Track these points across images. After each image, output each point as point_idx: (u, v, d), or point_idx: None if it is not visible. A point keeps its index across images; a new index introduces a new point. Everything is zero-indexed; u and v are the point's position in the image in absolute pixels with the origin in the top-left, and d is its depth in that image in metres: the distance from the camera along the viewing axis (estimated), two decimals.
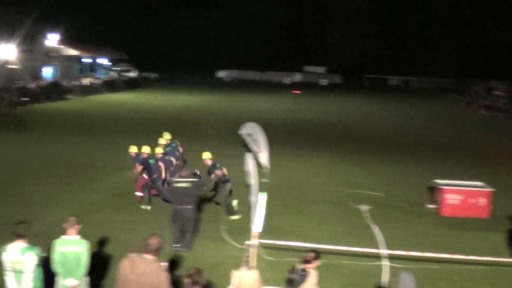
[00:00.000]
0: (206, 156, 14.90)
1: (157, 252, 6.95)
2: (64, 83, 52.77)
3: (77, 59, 67.51)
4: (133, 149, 16.09)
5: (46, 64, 58.62)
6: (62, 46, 62.36)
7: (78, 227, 8.20)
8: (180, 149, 17.93)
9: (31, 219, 13.02)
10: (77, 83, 55.10)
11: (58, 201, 15.55)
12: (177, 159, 16.71)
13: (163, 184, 15.05)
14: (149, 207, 15.09)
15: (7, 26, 47.60)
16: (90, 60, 70.98)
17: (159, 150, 15.97)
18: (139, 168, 15.47)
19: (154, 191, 15.56)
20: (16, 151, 22.95)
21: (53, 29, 58.55)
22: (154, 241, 6.97)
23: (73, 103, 46.01)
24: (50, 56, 58.98)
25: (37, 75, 54.83)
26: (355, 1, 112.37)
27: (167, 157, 15.92)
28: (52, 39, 59.01)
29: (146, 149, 15.67)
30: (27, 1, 53.78)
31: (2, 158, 21.05)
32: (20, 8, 51.40)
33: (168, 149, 17.08)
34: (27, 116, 32.70)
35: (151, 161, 15.31)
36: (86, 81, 57.73)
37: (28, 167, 19.77)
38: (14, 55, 47.53)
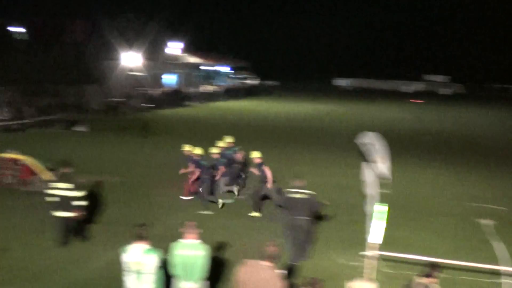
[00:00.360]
0: (256, 155, 15.62)
1: (274, 259, 6.94)
2: (186, 90, 54.84)
3: (199, 66, 69.90)
4: (187, 148, 16.42)
5: (169, 71, 61.20)
6: (184, 54, 64.87)
7: (198, 231, 8.39)
8: (239, 155, 17.73)
9: (153, 222, 13.61)
10: (198, 90, 56.94)
11: (178, 205, 16.07)
12: (226, 165, 16.84)
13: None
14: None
15: (133, 34, 50.38)
16: (211, 68, 73.21)
17: (215, 150, 16.62)
18: (192, 167, 15.95)
19: (194, 189, 16.18)
20: (140, 155, 24.09)
21: (176, 38, 61.05)
22: (272, 248, 6.97)
23: (194, 109, 47.62)
24: (173, 64, 61.53)
25: (160, 82, 57.41)
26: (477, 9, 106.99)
27: (221, 160, 16.52)
28: (175, 47, 61.53)
29: (198, 151, 16.19)
30: (152, 11, 56.54)
31: (128, 162, 22.18)
32: (144, 17, 54.23)
33: (228, 152, 17.37)
34: (151, 121, 34.29)
35: (202, 162, 15.88)
36: (207, 88, 59.52)
37: (151, 171, 20.66)
38: (138, 63, 50.11)
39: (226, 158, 17.06)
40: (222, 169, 16.61)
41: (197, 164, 15.98)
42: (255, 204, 15.49)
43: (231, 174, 17.10)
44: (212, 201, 15.87)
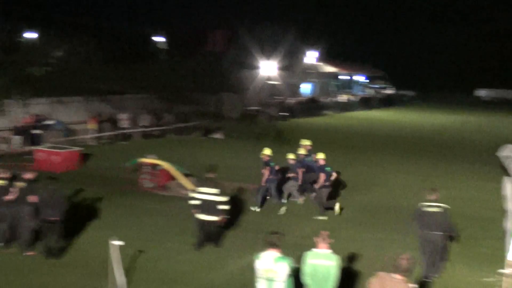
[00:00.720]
0: (320, 156, 16.31)
1: (407, 272, 6.74)
2: (321, 99, 54.95)
3: (334, 76, 69.77)
4: (267, 152, 16.84)
5: (305, 80, 61.65)
6: (320, 63, 65.08)
7: (330, 241, 8.34)
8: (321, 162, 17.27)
9: (286, 230, 13.68)
10: (333, 99, 56.82)
11: (311, 213, 16.05)
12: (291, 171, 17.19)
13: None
14: (258, 209, 16.17)
15: (270, 44, 51.38)
16: (347, 77, 72.79)
17: (291, 156, 17.18)
18: (267, 171, 16.54)
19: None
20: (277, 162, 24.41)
21: (312, 47, 61.39)
22: (404, 261, 6.76)
23: (328, 118, 47.57)
24: (308, 73, 61.93)
25: (295, 91, 58.02)
26: None
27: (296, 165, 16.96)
28: (311, 56, 61.88)
29: (267, 151, 16.82)
30: (288, 20, 57.36)
31: None
32: (281, 27, 55.11)
33: (308, 159, 17.63)
34: (286, 130, 34.69)
35: (271, 163, 16.53)
36: (342, 97, 59.23)
37: None
38: (275, 72, 50.98)
39: (304, 165, 17.34)
40: (300, 172, 16.98)
41: (266, 164, 16.55)
42: (321, 208, 15.75)
43: (304, 180, 17.16)
44: (328, 208, 16.02)
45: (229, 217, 12.80)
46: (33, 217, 11.92)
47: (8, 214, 12.13)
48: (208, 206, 12.41)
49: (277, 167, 16.80)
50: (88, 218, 14.59)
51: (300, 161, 17.48)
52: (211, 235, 12.75)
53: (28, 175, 12.31)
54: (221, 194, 12.49)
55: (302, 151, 17.99)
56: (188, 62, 38.90)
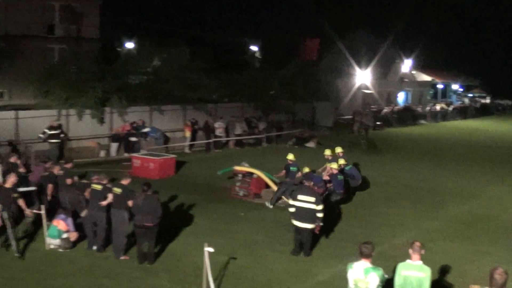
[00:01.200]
0: (338, 150, 18.24)
1: (501, 287, 6.43)
2: (416, 108, 53.60)
3: (430, 84, 67.91)
4: (289, 157, 17.74)
5: (400, 89, 60.42)
6: (415, 72, 63.52)
7: (422, 252, 8.20)
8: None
9: (378, 240, 13.46)
10: (428, 108, 55.34)
11: (404, 224, 15.79)
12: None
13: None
14: (271, 206, 17.21)
15: (365, 51, 50.72)
16: (442, 86, 70.61)
17: (334, 166, 17.57)
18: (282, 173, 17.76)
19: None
20: (366, 172, 24.10)
21: (407, 55, 60.11)
22: (499, 276, 6.46)
23: (424, 128, 46.34)
24: (403, 81, 60.64)
25: (390, 100, 56.93)
26: None
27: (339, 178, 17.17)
28: (406, 65, 60.61)
29: (290, 156, 17.76)
30: (384, 27, 56.41)
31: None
32: (376, 33, 54.34)
33: (348, 168, 18.38)
34: (379, 139, 34.11)
35: (292, 168, 17.44)
36: (437, 106, 57.53)
37: (377, 188, 20.59)
38: (370, 80, 50.26)
39: (345, 174, 17.92)
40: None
41: (286, 168, 17.54)
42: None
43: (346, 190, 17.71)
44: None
45: (322, 225, 12.78)
46: (128, 222, 12.42)
47: (103, 218, 12.71)
48: (304, 214, 12.58)
49: (299, 174, 17.26)
50: (182, 224, 14.98)
51: (341, 170, 17.87)
52: (304, 243, 12.79)
53: (124, 181, 12.80)
54: (317, 202, 12.60)
55: (342, 161, 18.48)
56: (282, 71, 39.13)
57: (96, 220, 12.79)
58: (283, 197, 17.58)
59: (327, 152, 19.20)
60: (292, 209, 12.82)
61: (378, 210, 17.49)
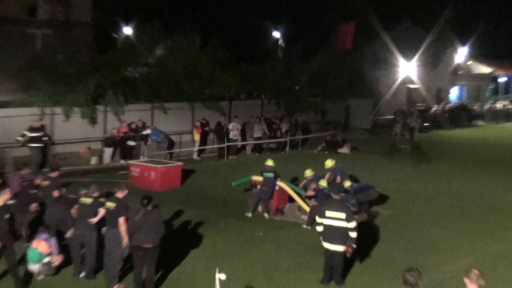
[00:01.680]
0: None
1: None
2: (473, 106, 53.09)
3: (490, 77, 67.19)
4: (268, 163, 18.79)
5: (452, 83, 59.93)
6: (471, 62, 62.95)
7: (482, 283, 8.12)
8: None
9: (426, 267, 13.26)
10: (487, 106, 54.83)
11: (458, 248, 15.62)
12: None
13: None
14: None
15: (410, 39, 50.34)
16: (505, 79, 69.85)
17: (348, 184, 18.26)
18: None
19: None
20: (413, 183, 23.87)
21: (462, 42, 59.52)
22: None
23: (482, 131, 45.94)
24: (457, 74, 60.12)
25: (441, 97, 56.52)
26: None
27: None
28: (460, 54, 60.05)
29: (269, 162, 18.86)
30: (431, 15, 55.81)
31: (399, 191, 22.07)
32: (423, 23, 53.85)
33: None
34: (427, 144, 33.80)
35: (265, 174, 18.59)
36: (499, 104, 56.95)
37: (426, 204, 20.41)
38: (416, 73, 49.89)
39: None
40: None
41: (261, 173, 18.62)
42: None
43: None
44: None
45: (355, 246, 12.56)
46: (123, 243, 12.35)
47: (93, 238, 12.63)
48: (333, 233, 12.37)
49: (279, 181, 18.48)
50: (189, 246, 14.92)
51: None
52: (334, 269, 12.60)
53: (120, 194, 12.73)
54: (349, 218, 12.39)
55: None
56: (310, 62, 39.03)
57: (84, 241, 12.74)
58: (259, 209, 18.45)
59: (308, 173, 18.83)
60: (319, 228, 12.67)
61: (426, 230, 17.29)
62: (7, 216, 12.03)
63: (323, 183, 17.41)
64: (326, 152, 31.59)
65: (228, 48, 33.30)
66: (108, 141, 26.77)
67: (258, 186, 18.83)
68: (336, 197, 12.90)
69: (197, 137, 29.55)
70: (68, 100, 25.95)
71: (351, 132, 38.41)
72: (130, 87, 28.59)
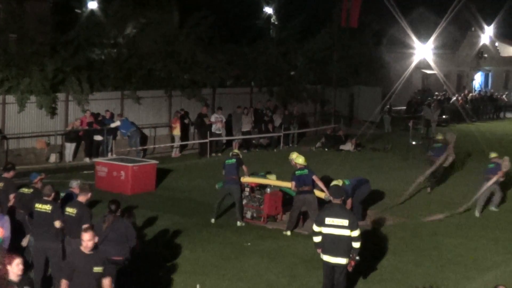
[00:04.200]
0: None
1: None
2: (500, 96, 53.25)
3: None
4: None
5: (476, 69, 60.01)
6: (498, 44, 63.05)
7: None
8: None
9: (445, 284, 13.35)
10: None
11: (482, 262, 15.71)
12: None
13: None
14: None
15: (425, 17, 50.43)
16: None
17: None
18: None
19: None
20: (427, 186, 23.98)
21: (487, 20, 59.48)
22: None
23: (511, 124, 46.06)
24: (482, 58, 60.18)
25: (463, 85, 56.66)
26: None
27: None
28: (486, 34, 60.03)
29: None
30: None
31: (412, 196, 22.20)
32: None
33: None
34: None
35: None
36: None
37: (444, 211, 20.39)
38: (432, 57, 49.95)
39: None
40: None
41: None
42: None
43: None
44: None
45: (358, 258, 12.51)
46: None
47: (58, 250, 12.59)
48: (335, 243, 12.29)
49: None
50: (166, 258, 14.95)
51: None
52: (335, 285, 12.53)
53: (81, 198, 12.72)
54: (353, 226, 12.29)
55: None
56: (308, 44, 39.04)
57: (49, 254, 12.66)
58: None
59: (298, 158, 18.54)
60: (317, 238, 12.49)
61: (445, 241, 17.35)
62: None
63: (299, 159, 17.84)
64: (326, 149, 31.68)
65: (212, 25, 33.23)
66: (70, 136, 26.73)
67: (246, 190, 18.88)
68: (337, 201, 12.68)
69: (177, 131, 29.47)
70: (23, 87, 25.90)
71: (356, 126, 38.44)
72: (96, 72, 28.57)
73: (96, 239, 10.16)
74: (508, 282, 12.52)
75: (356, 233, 12.23)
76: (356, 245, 12.29)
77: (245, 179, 19.03)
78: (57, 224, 12.40)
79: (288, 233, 17.48)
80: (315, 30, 41.74)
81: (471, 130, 41.40)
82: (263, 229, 17.92)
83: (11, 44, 27.21)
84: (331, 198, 13.05)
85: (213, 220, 18.46)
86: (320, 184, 17.59)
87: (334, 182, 17.46)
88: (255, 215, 18.58)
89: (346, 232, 12.19)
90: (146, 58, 30.31)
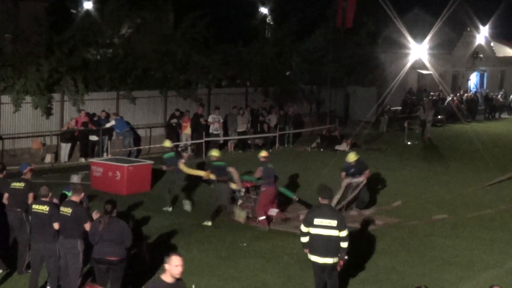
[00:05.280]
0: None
1: None
2: (496, 96, 53.27)
3: None
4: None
5: (472, 69, 60.01)
6: (494, 44, 63.05)
7: None
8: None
9: (439, 284, 13.37)
10: None
11: (477, 262, 15.69)
12: None
13: None
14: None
15: (420, 17, 50.44)
16: None
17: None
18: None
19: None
20: (423, 188, 23.99)
21: (483, 20, 59.44)
22: None
23: (507, 125, 46.13)
24: (477, 58, 60.15)
25: (458, 85, 56.68)
26: None
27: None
28: (481, 34, 59.99)
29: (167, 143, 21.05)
30: None
31: (405, 194, 22.25)
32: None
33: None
34: (441, 141, 33.98)
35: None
36: None
37: (442, 212, 20.50)
38: (427, 56, 49.98)
39: None
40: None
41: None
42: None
43: None
44: None
45: (347, 258, 12.54)
46: (83, 255, 12.39)
47: (55, 251, 12.58)
48: (323, 244, 12.31)
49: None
50: (161, 258, 14.89)
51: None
52: (328, 284, 12.59)
53: (75, 197, 12.71)
54: (341, 226, 12.30)
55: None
56: (303, 44, 39.05)
57: (45, 255, 12.68)
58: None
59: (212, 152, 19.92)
60: (305, 239, 12.54)
61: (440, 242, 17.32)
62: None
63: (213, 153, 19.44)
64: (322, 150, 31.69)
65: (207, 26, 33.21)
66: (65, 136, 26.71)
67: (241, 190, 18.93)
68: (325, 201, 12.70)
69: (188, 130, 29.58)
70: (18, 87, 25.90)
71: (351, 126, 38.48)
72: (92, 72, 28.56)
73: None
74: (504, 282, 12.58)
75: (344, 233, 12.28)
76: (344, 245, 12.33)
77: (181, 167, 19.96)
78: (56, 226, 12.42)
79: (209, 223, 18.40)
80: (311, 30, 41.82)
81: (466, 130, 41.50)
82: (256, 229, 17.91)
83: (6, 44, 27.19)
84: (319, 198, 12.85)
85: (170, 209, 19.71)
86: (235, 175, 19.04)
87: (351, 154, 19.70)
88: (250, 215, 18.59)
89: (334, 233, 12.22)
90: (141, 58, 30.30)
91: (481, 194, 23.10)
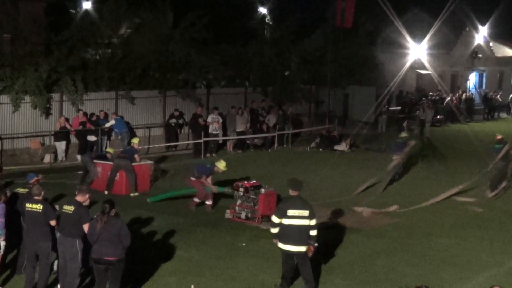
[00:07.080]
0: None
1: None
2: (495, 96, 53.25)
3: None
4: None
5: (471, 69, 60.00)
6: (493, 44, 63.05)
7: None
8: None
9: (438, 284, 13.36)
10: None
11: (476, 262, 15.69)
12: None
13: None
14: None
15: (419, 17, 50.38)
16: None
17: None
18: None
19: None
20: (422, 187, 23.97)
21: (482, 20, 59.43)
22: None
23: (507, 125, 46.09)
24: (476, 58, 60.16)
25: (457, 85, 56.67)
26: None
27: None
28: (480, 34, 59.98)
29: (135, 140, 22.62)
30: None
31: (404, 195, 22.25)
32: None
33: None
34: (440, 141, 33.93)
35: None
36: None
37: (441, 212, 20.47)
38: (426, 56, 49.95)
39: None
40: None
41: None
42: None
43: None
44: None
45: (317, 245, 13.05)
46: (82, 255, 12.37)
47: (48, 250, 12.61)
48: (295, 233, 13.01)
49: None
50: (159, 259, 14.93)
51: None
52: (303, 274, 13.10)
53: (80, 197, 12.69)
54: (312, 215, 13.07)
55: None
56: (302, 44, 39.01)
57: (38, 252, 12.69)
58: None
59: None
60: (275, 230, 13.21)
61: (438, 241, 17.34)
62: None
63: (135, 140, 21.36)
64: (321, 150, 31.66)
65: (206, 26, 33.19)
66: (59, 134, 26.60)
67: (241, 190, 18.91)
68: (295, 193, 13.43)
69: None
70: (17, 87, 25.87)
71: (351, 126, 38.44)
72: (90, 72, 28.53)
73: None
74: (503, 283, 12.57)
75: (314, 221, 13.17)
76: (313, 232, 13.17)
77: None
78: (53, 223, 12.44)
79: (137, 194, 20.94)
80: (310, 30, 41.79)
81: (465, 130, 41.46)
82: (258, 229, 17.89)
83: (5, 44, 27.18)
84: (289, 190, 13.57)
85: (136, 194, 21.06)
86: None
87: (403, 134, 24.76)
88: (249, 215, 18.58)
89: (306, 222, 13.06)
90: (140, 58, 30.26)
91: (480, 193, 23.06)
